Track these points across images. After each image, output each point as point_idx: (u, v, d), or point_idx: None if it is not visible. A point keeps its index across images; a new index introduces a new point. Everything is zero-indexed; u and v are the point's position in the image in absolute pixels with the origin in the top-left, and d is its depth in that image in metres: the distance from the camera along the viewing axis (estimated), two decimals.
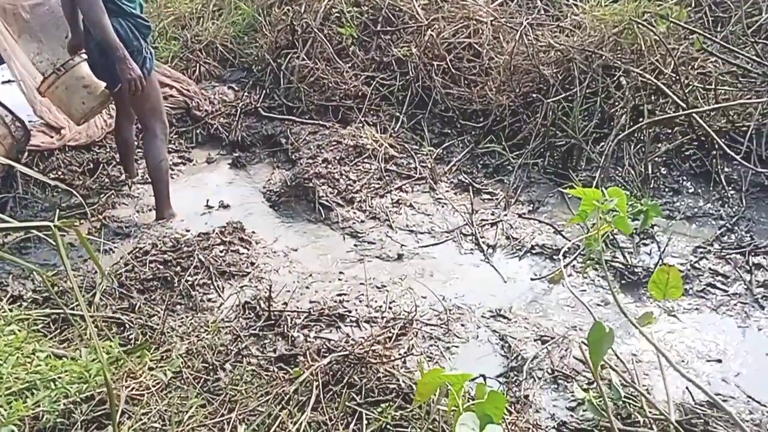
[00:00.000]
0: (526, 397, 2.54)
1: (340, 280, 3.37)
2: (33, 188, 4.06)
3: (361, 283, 3.31)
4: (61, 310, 2.76)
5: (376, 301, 3.16)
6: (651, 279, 1.92)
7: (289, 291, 3.20)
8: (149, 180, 3.95)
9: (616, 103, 4.38)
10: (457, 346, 2.88)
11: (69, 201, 3.99)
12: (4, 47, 4.38)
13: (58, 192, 4.08)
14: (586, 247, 1.86)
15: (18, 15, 4.58)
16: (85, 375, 2.22)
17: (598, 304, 3.14)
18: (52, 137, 4.48)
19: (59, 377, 2.20)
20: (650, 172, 4.08)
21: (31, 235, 3.49)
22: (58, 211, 3.85)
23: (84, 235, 1.55)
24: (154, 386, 2.33)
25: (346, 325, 2.98)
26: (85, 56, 3.71)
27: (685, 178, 4.20)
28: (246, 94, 5.25)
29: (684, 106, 4.14)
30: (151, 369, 2.41)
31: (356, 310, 3.08)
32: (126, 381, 2.33)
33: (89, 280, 3.16)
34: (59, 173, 4.23)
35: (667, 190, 4.10)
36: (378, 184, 4.20)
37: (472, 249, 3.65)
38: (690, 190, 4.11)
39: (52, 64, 4.67)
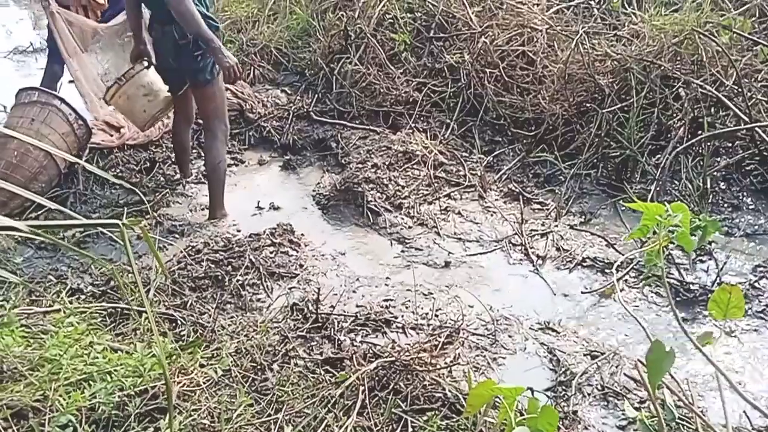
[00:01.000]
0: (575, 412, 2.50)
1: (386, 285, 3.37)
2: (92, 185, 4.19)
3: (408, 290, 3.30)
4: (119, 305, 2.84)
5: (422, 308, 3.14)
6: (711, 298, 1.85)
7: (336, 294, 3.21)
8: (203, 180, 4.03)
9: (674, 115, 4.28)
10: (504, 358, 2.84)
11: (126, 198, 4.10)
12: (67, 55, 4.56)
13: (116, 189, 4.20)
14: (646, 262, 1.81)
15: (96, 34, 4.76)
16: (140, 369, 2.28)
17: (651, 321, 3.07)
18: (111, 136, 4.64)
19: (115, 370, 2.26)
20: (709, 186, 3.95)
21: (92, 231, 3.60)
22: (114, 207, 4.00)
23: (126, 234, 1.58)
24: (204, 383, 2.38)
25: (392, 331, 2.98)
26: (146, 64, 3.83)
27: (745, 193, 4.07)
28: (298, 97, 5.32)
29: (746, 119, 4.00)
30: (201, 366, 2.46)
31: (402, 316, 3.07)
32: (177, 377, 2.38)
33: (143, 276, 3.24)
34: (117, 171, 4.35)
35: (726, 205, 3.98)
36: (427, 190, 4.19)
37: (521, 259, 3.61)
38: (750, 207, 3.98)
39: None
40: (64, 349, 2.31)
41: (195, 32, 3.46)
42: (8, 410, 2.07)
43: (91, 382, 2.21)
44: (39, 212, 3.78)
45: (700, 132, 4.15)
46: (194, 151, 4.58)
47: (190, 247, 3.47)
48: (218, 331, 2.80)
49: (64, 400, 2.12)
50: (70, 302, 2.82)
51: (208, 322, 2.85)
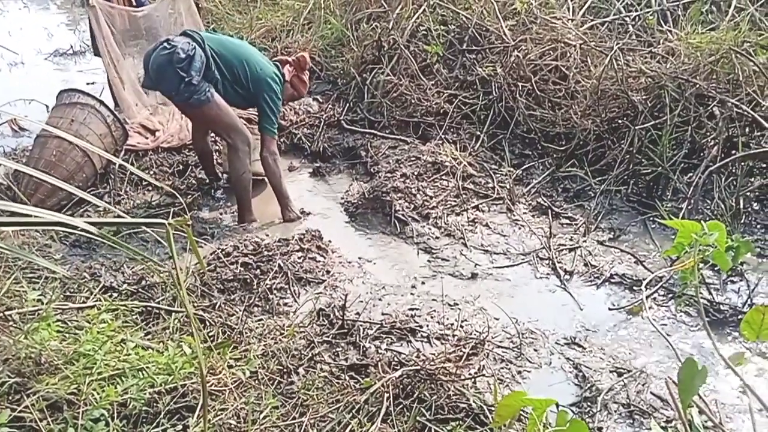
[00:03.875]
0: (600, 429, 2.48)
1: (412, 294, 3.38)
2: (126, 186, 4.28)
3: (434, 299, 3.31)
4: (151, 304, 2.90)
5: (447, 319, 3.15)
6: (744, 319, 1.82)
7: (362, 301, 3.24)
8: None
9: (708, 134, 4.23)
10: (528, 371, 2.84)
11: (159, 200, 4.18)
12: (108, 59, 4.70)
13: (149, 190, 4.28)
14: (681, 281, 1.80)
15: (135, 24, 4.91)
16: (171, 367, 2.32)
17: (679, 340, 3.04)
18: (146, 138, 4.73)
19: (146, 367, 2.31)
20: (742, 206, 3.91)
21: (125, 231, 3.67)
22: (147, 209, 4.08)
23: (172, 233, 1.63)
24: (232, 383, 2.41)
25: (417, 340, 2.99)
26: None
27: None
28: (330, 106, 5.37)
29: None
30: (230, 367, 2.50)
31: (428, 325, 3.08)
32: (207, 376, 2.41)
33: (174, 277, 3.30)
34: (151, 173, 4.44)
35: (758, 226, 3.93)
36: (454, 201, 4.20)
37: (548, 273, 3.59)
38: None
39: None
40: (98, 344, 2.37)
41: (276, 183, 4.02)
42: (44, 402, 2.13)
43: (123, 378, 2.26)
44: (74, 211, 3.87)
45: (734, 152, 4.10)
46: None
47: (220, 250, 3.52)
48: (246, 333, 2.84)
49: (98, 394, 2.17)
50: (104, 299, 2.88)
51: (236, 324, 2.89)
